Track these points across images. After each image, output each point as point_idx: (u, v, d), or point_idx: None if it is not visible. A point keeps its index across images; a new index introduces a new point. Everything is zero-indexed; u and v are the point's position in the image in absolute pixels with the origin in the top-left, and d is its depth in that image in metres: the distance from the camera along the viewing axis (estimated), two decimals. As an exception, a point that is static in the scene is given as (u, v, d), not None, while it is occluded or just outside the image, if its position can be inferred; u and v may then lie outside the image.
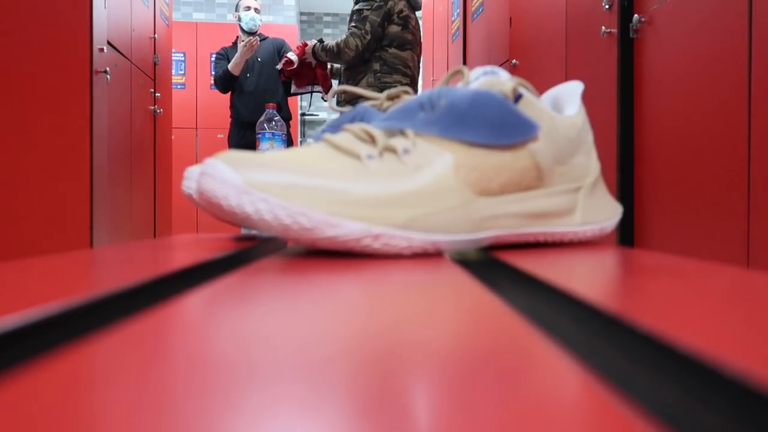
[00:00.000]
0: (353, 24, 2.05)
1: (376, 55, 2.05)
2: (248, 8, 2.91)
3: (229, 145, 2.96)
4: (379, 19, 2.01)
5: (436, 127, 0.34)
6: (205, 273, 0.30)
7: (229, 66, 2.82)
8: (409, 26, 2.08)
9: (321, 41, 2.14)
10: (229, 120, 2.98)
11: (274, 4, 5.09)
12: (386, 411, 0.09)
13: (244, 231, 0.67)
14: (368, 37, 2.01)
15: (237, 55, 2.79)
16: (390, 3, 2.01)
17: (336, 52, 2.06)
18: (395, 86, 2.00)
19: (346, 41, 2.04)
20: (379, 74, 2.05)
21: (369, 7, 2.01)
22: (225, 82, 2.87)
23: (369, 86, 2.05)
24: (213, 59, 2.97)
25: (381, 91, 2.03)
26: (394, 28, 2.04)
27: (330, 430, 0.08)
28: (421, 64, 2.35)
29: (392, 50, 2.05)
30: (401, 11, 2.04)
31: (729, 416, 0.11)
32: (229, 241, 0.47)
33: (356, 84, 2.09)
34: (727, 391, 0.11)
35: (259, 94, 2.88)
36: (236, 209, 0.29)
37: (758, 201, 1.11)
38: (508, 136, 0.34)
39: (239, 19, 2.94)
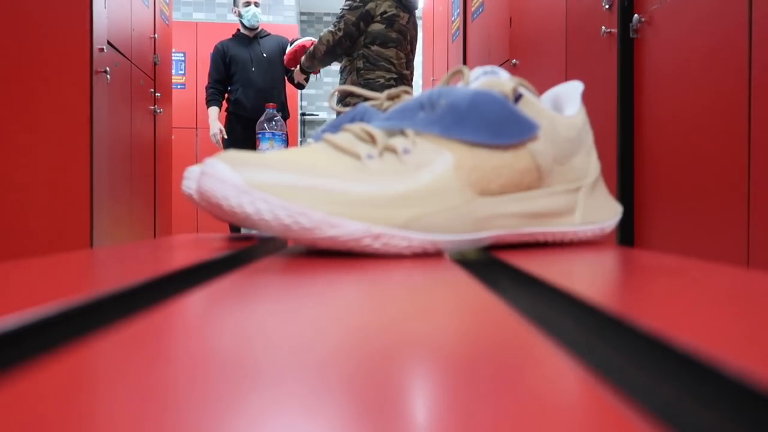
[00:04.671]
0: (333, 23, 2.17)
1: (360, 53, 2.13)
2: (248, 4, 2.88)
3: (225, 143, 2.91)
4: (354, 18, 2.10)
5: (436, 127, 0.34)
6: (205, 273, 0.30)
7: (210, 112, 2.89)
8: (395, 25, 2.15)
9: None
10: (226, 115, 2.96)
11: (274, 4, 5.09)
12: (387, 410, 0.09)
13: (243, 231, 0.67)
14: (340, 33, 2.11)
15: (211, 121, 2.88)
16: (370, 5, 2.11)
17: (311, 52, 2.21)
18: (378, 82, 2.11)
19: (320, 38, 2.16)
20: (362, 71, 2.13)
21: (347, 8, 2.11)
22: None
23: (352, 83, 2.13)
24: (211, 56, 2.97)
25: (363, 87, 2.13)
26: (376, 27, 2.12)
27: (331, 429, 0.08)
28: (417, 64, 2.38)
29: (375, 48, 2.12)
30: (385, 12, 2.13)
31: (728, 416, 0.11)
32: (229, 241, 0.47)
33: (344, 83, 2.18)
34: (727, 391, 0.11)
35: (266, 90, 2.87)
36: (236, 209, 0.29)
37: (758, 201, 1.11)
38: (508, 136, 0.34)
39: (240, 15, 2.92)
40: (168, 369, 0.11)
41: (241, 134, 2.87)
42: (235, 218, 0.30)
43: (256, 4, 2.89)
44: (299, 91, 5.26)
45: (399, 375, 0.10)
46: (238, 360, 0.11)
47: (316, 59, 2.22)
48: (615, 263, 0.28)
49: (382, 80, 2.13)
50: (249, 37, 2.95)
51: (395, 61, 2.17)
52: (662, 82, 1.44)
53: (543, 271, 0.24)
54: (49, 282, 0.21)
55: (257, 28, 2.96)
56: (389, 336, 0.13)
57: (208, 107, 2.93)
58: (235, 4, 2.94)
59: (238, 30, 2.99)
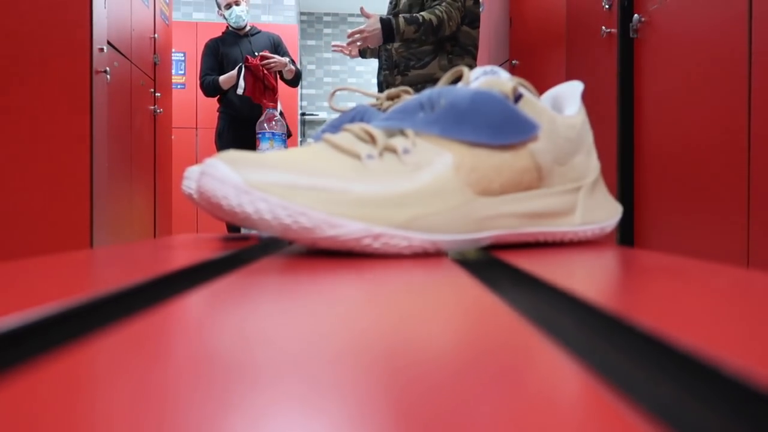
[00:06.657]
0: None
1: (449, 35, 1.74)
2: (229, 5, 2.77)
3: (219, 143, 2.84)
4: None
5: (436, 127, 0.34)
6: (205, 273, 0.30)
7: (220, 80, 2.73)
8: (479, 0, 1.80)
9: (395, 16, 1.71)
10: (218, 115, 2.87)
11: (274, 4, 5.09)
12: (386, 410, 0.09)
13: (243, 231, 0.67)
14: (464, 10, 1.71)
15: (230, 76, 2.69)
16: None
17: (436, 26, 1.67)
18: None
19: (448, 14, 1.68)
20: (451, 56, 1.74)
21: None
22: (213, 91, 2.79)
23: (441, 69, 1.75)
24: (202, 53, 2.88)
25: None
26: (468, 2, 1.74)
27: (331, 429, 0.08)
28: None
29: (464, 28, 1.74)
30: None
31: (729, 416, 0.11)
32: (229, 241, 0.47)
33: (424, 67, 1.76)
34: (727, 391, 0.11)
35: None
36: (236, 209, 0.29)
37: (758, 201, 1.11)
38: (508, 135, 0.34)
39: (225, 18, 2.87)
40: (168, 369, 0.11)
41: (235, 134, 2.81)
42: (235, 218, 0.30)
43: (237, 4, 2.81)
44: (299, 91, 5.26)
45: (399, 375, 0.10)
46: (237, 360, 0.11)
47: (435, 35, 1.69)
48: (615, 263, 0.28)
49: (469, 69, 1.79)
50: (239, 36, 2.91)
51: (477, 44, 1.79)
52: (662, 82, 1.44)
53: (543, 271, 0.24)
54: (49, 282, 0.21)
55: (245, 27, 2.91)
56: (389, 336, 0.13)
57: (212, 89, 2.75)
58: (218, 7, 2.88)
59: (228, 28, 2.93)
